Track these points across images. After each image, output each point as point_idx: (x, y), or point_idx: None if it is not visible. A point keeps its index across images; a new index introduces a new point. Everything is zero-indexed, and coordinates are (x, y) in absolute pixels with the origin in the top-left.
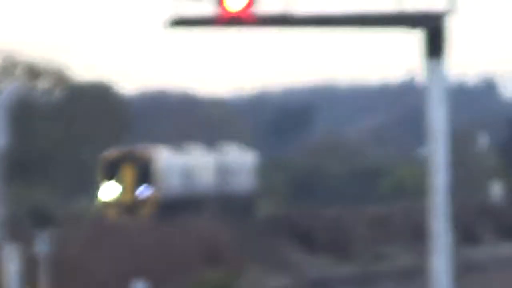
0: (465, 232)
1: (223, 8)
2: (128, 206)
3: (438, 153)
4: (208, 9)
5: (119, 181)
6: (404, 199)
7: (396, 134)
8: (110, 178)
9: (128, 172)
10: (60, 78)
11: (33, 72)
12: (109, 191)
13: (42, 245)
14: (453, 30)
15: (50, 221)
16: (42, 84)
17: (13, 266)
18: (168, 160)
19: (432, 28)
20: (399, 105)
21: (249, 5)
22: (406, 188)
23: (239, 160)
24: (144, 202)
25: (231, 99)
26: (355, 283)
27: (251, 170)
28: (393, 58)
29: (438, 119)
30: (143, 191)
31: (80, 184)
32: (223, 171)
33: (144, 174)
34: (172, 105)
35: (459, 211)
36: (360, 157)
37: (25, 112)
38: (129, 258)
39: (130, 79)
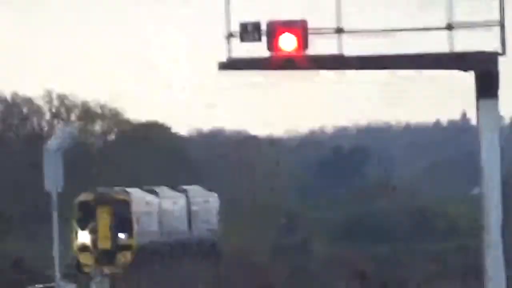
0: None
1: (276, 50)
2: (105, 253)
3: (491, 193)
4: (261, 51)
5: (95, 225)
6: (458, 238)
7: (450, 173)
8: (85, 223)
9: (105, 216)
10: (116, 121)
11: (89, 115)
12: (84, 236)
13: None
14: (505, 71)
15: None
16: (97, 127)
17: None
18: (144, 203)
19: (484, 70)
20: (453, 145)
21: (301, 46)
22: (459, 226)
23: (206, 202)
24: (123, 248)
25: (283, 139)
26: None
27: (215, 212)
28: (447, 98)
29: (491, 161)
30: (122, 237)
31: None
32: (192, 214)
33: (122, 218)
34: (227, 145)
35: None
36: (414, 196)
37: (80, 155)
38: None
39: (186, 120)
